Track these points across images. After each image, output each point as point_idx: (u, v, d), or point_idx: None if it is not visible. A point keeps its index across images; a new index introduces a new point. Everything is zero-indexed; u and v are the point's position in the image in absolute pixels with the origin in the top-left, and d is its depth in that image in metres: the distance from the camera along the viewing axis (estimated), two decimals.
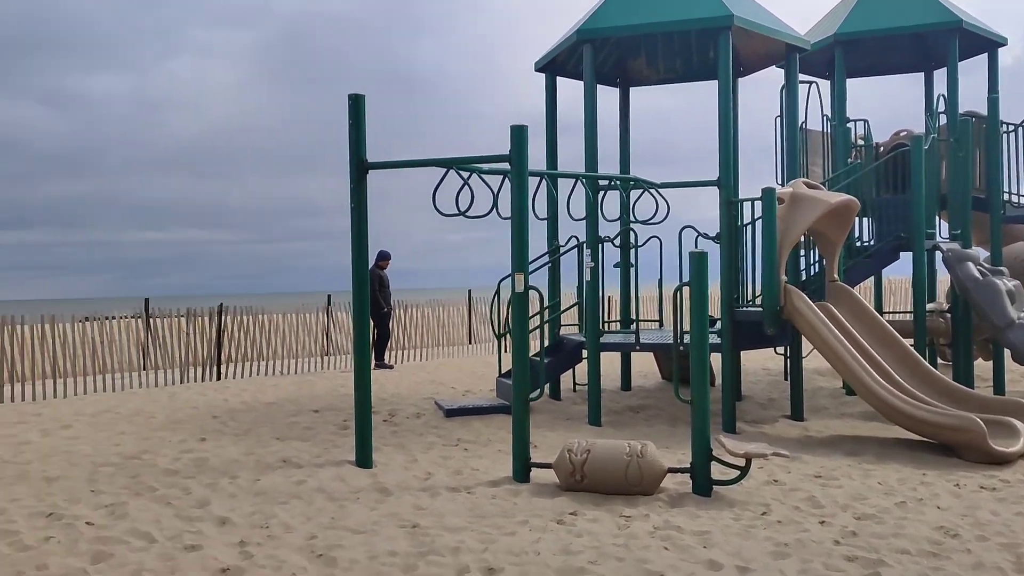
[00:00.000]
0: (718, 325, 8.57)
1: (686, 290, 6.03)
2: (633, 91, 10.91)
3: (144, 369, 12.88)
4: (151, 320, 13.30)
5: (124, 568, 4.27)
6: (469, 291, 18.14)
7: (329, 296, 15.63)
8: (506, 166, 6.32)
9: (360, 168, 6.52)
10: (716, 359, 8.07)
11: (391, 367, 13.57)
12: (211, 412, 9.12)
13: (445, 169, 6.46)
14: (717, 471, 5.72)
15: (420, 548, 4.53)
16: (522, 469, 6.06)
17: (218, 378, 12.58)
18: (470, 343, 17.61)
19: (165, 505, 5.42)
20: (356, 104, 6.52)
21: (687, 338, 5.88)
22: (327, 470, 6.40)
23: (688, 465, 5.75)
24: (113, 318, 12.71)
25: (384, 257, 13.49)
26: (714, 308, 10.57)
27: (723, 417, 8.10)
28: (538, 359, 7.52)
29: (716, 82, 8.40)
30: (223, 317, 13.06)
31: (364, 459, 6.57)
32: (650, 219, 8.52)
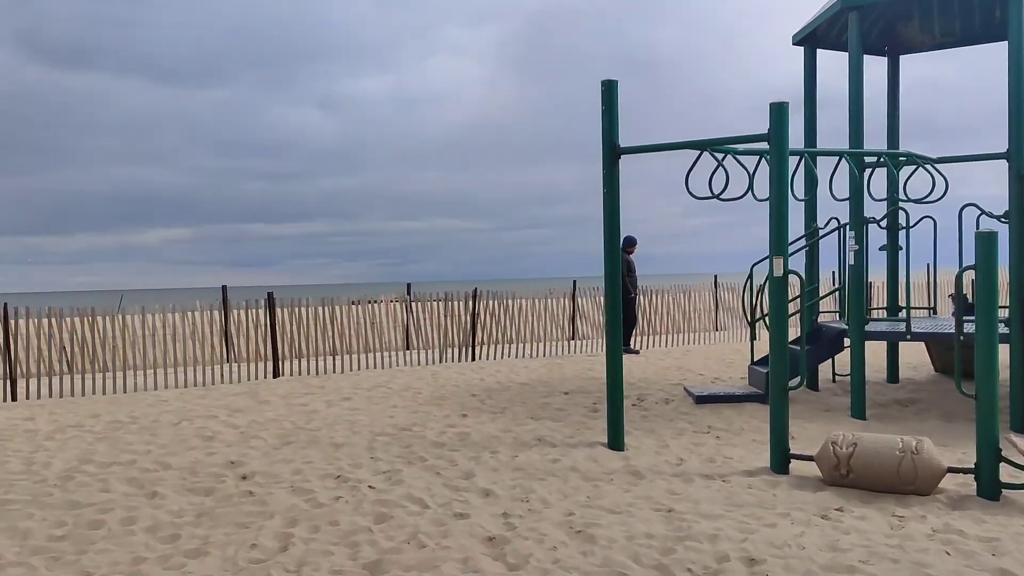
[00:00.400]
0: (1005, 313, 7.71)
1: (967, 275, 5.49)
2: (902, 59, 10.06)
3: (408, 349, 13.93)
4: (412, 304, 14.31)
5: (403, 530, 4.65)
6: (715, 276, 17.69)
7: (574, 282, 15.94)
8: (763, 146, 6.10)
9: (613, 153, 6.57)
10: (1002, 351, 7.28)
11: (637, 352, 13.61)
12: (470, 391, 9.67)
13: (698, 152, 6.34)
14: (1006, 474, 5.17)
15: (677, 532, 4.52)
16: (781, 460, 5.84)
17: (473, 359, 13.28)
18: (716, 330, 17.19)
19: (435, 475, 5.83)
20: (609, 90, 6.57)
21: (967, 327, 5.35)
22: (580, 450, 6.56)
23: (971, 465, 5.25)
24: (378, 301, 13.84)
25: (631, 243, 13.52)
26: (1001, 294, 9.51)
27: (1011, 415, 7.31)
28: (797, 347, 7.20)
29: (1004, 44, 7.53)
30: (477, 302, 13.76)
31: (616, 442, 6.66)
32: (925, 197, 7.84)
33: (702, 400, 8.54)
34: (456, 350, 13.39)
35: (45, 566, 4.17)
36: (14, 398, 10.15)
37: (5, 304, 10.67)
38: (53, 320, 10.92)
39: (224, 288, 13.85)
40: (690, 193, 6.40)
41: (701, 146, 6.31)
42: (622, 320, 6.87)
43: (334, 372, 11.81)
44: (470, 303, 13.67)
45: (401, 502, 5.17)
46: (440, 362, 12.94)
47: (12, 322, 10.60)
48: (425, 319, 13.79)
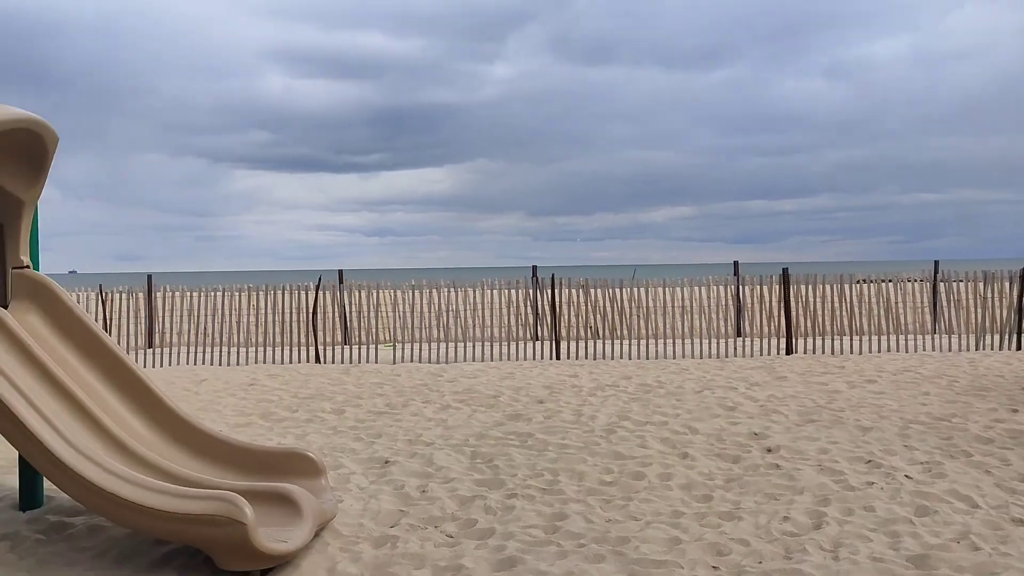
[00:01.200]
0: None
1: None
2: None
3: (935, 332, 12.67)
4: (939, 284, 12.97)
5: (950, 527, 4.23)
6: None
7: None
8: None
9: None
10: None
11: None
12: (1020, 383, 8.41)
13: None
14: None
15: None
16: None
17: (1019, 348, 11.54)
18: None
19: (983, 472, 5.20)
20: None
21: None
22: None
23: None
24: (889, 281, 12.80)
25: None
26: None
27: None
28: None
29: None
30: None
31: None
32: None
33: None
34: (997, 336, 11.77)
35: (599, 506, 4.70)
36: (558, 357, 11.66)
37: (553, 275, 12.31)
38: (585, 291, 12.27)
39: (736, 264, 14.13)
40: None
41: None
42: None
43: (851, 352, 11.26)
44: (1012, 285, 11.88)
45: (945, 497, 4.71)
46: (977, 349, 11.50)
47: (556, 291, 12.18)
48: (955, 301, 12.39)
